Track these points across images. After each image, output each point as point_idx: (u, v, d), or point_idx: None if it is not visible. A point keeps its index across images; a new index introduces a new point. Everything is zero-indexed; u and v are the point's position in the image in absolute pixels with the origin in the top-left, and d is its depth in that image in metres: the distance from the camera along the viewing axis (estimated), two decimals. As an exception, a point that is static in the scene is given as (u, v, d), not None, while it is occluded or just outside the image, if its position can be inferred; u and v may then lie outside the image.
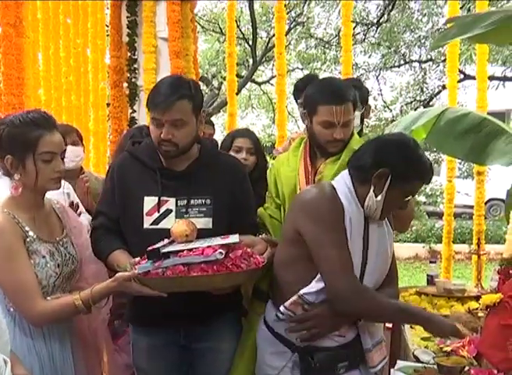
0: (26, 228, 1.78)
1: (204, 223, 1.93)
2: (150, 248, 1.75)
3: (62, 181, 2.62)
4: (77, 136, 3.09)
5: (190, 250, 1.70)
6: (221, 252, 1.67)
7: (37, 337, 1.81)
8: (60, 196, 2.56)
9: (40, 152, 1.75)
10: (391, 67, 13.16)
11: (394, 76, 13.52)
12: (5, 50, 4.26)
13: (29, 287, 1.73)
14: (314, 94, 2.12)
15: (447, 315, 2.48)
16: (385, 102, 13.36)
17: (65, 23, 5.63)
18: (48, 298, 1.79)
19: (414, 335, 2.29)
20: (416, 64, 13.07)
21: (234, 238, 1.79)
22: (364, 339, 1.84)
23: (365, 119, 3.04)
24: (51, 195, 1.95)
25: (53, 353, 1.83)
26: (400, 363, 1.95)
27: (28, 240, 1.77)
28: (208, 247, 1.70)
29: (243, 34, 12.31)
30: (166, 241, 1.80)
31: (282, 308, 1.80)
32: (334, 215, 1.75)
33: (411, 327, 2.34)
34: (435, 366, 1.87)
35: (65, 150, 1.86)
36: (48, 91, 5.50)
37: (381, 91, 13.48)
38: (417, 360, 2.01)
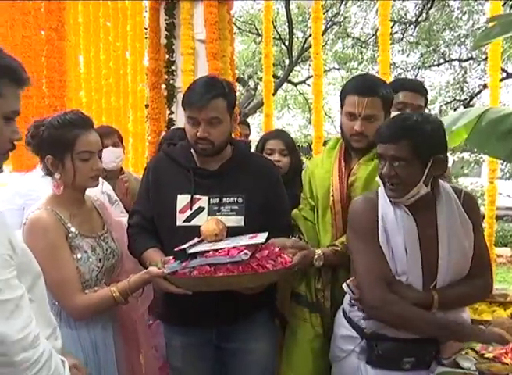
0: (68, 224, 1.85)
1: (235, 220, 1.95)
2: (177, 249, 1.79)
3: (103, 182, 2.67)
4: (118, 137, 3.15)
5: (216, 250, 1.72)
6: (246, 253, 1.68)
7: (80, 330, 1.86)
8: (100, 196, 2.62)
9: (77, 152, 1.82)
10: (430, 66, 12.96)
11: (433, 76, 13.35)
12: (48, 53, 4.38)
13: (70, 282, 1.79)
14: (347, 85, 2.14)
15: (489, 320, 2.42)
16: (424, 102, 13.12)
17: (105, 27, 5.73)
18: (87, 291, 1.84)
19: (454, 341, 2.24)
20: (456, 63, 12.83)
21: (261, 238, 1.80)
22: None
23: None
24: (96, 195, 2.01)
25: (96, 344, 1.89)
26: (439, 369, 1.91)
27: (70, 235, 1.83)
28: (234, 248, 1.72)
29: (280, 35, 12.32)
30: (196, 239, 1.84)
31: (344, 284, 1.83)
32: (364, 224, 1.77)
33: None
34: (477, 373, 1.82)
35: (102, 149, 1.92)
36: (88, 93, 5.62)
37: (420, 90, 13.24)
38: (458, 366, 1.96)
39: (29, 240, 1.69)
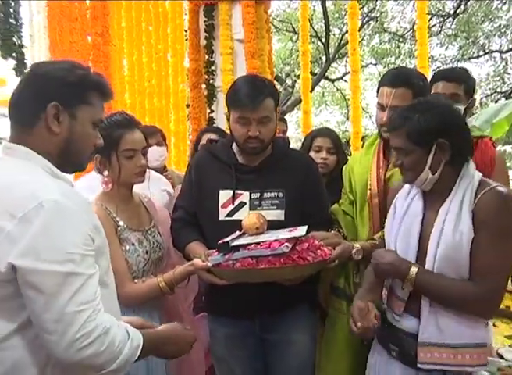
0: (117, 218, 1.95)
1: (276, 214, 2.00)
2: (220, 242, 1.83)
3: (163, 179, 2.76)
4: (161, 136, 3.28)
5: (258, 243, 1.75)
6: (287, 246, 1.70)
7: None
8: (160, 194, 2.74)
9: (122, 150, 1.92)
10: (469, 58, 12.72)
11: (473, 68, 13.06)
12: (94, 58, 4.59)
13: (120, 272, 1.87)
14: (382, 77, 2.14)
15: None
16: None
17: (147, 30, 5.92)
18: (136, 280, 1.95)
19: (497, 333, 2.24)
20: (496, 54, 12.55)
21: (301, 231, 1.81)
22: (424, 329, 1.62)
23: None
24: (156, 194, 2.09)
25: None
26: None
27: (119, 229, 1.93)
28: (275, 240, 1.74)
29: (316, 32, 12.33)
30: (238, 233, 1.89)
31: None
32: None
33: (494, 325, 2.27)
34: None
35: (145, 146, 2.01)
36: (132, 95, 5.83)
37: (459, 83, 13.02)
38: (501, 358, 1.96)
39: None
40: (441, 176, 1.62)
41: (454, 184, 1.62)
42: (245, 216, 1.92)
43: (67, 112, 1.32)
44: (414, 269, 1.59)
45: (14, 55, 4.04)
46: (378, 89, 2.08)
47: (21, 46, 4.19)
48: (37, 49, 4.53)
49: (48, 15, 4.47)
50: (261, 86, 1.98)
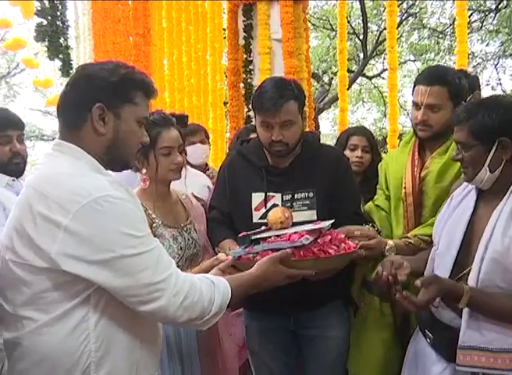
0: (153, 215, 2.01)
1: (308, 215, 1.99)
2: (241, 235, 1.87)
3: (203, 175, 2.81)
4: (205, 135, 3.37)
5: (278, 236, 1.75)
6: (307, 238, 1.67)
7: None
8: (202, 189, 2.81)
9: (159, 148, 1.97)
10: (511, 55, 12.41)
11: (514, 64, 12.74)
12: (136, 58, 4.73)
13: None
14: (418, 75, 2.15)
15: None
16: (504, 92, 12.61)
17: (187, 30, 6.03)
18: None
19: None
20: (540, 50, 12.22)
21: (326, 224, 1.79)
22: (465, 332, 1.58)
23: None
24: (197, 189, 2.12)
25: (178, 332, 2.03)
26: None
27: (154, 225, 1.99)
28: (295, 233, 1.72)
29: (354, 29, 12.25)
30: (263, 228, 1.91)
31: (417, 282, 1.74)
32: None
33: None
34: None
35: (182, 144, 2.05)
36: (172, 94, 5.96)
37: (500, 80, 12.77)
38: None
39: None
40: (500, 176, 1.60)
41: (511, 185, 1.60)
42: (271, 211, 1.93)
43: (112, 112, 1.35)
44: (468, 289, 1.53)
45: (60, 56, 4.19)
46: (414, 88, 2.09)
47: (67, 47, 4.34)
48: (82, 50, 4.69)
49: (92, 17, 4.63)
50: (283, 89, 1.97)
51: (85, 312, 1.29)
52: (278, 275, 1.58)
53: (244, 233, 1.85)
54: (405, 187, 2.11)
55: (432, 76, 2.03)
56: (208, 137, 3.38)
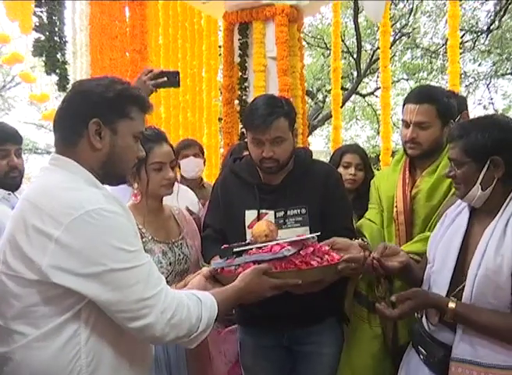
0: (143, 230, 2.01)
1: (301, 231, 1.95)
2: (223, 247, 1.85)
3: (191, 192, 2.78)
4: (199, 149, 3.40)
5: (260, 248, 1.73)
6: (288, 249, 1.66)
7: None
8: (193, 204, 2.82)
9: (150, 163, 1.99)
10: (503, 75, 12.58)
11: (506, 84, 12.93)
12: (132, 74, 4.74)
13: None
14: (407, 94, 2.18)
15: None
16: (496, 111, 12.78)
17: (183, 47, 6.10)
18: None
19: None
20: (531, 71, 12.39)
21: (310, 236, 1.78)
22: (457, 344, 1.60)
23: None
24: (188, 205, 2.11)
25: (167, 349, 2.03)
26: None
27: (144, 240, 1.98)
28: (277, 244, 1.70)
29: (348, 48, 12.39)
30: (248, 241, 1.90)
31: (393, 298, 1.74)
32: None
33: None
34: None
35: (174, 160, 2.08)
36: (167, 109, 6.00)
37: (492, 99, 12.93)
38: None
39: None
40: (492, 194, 1.62)
41: (503, 204, 1.61)
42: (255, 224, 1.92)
43: (108, 128, 1.36)
44: (451, 305, 1.57)
45: (57, 71, 4.22)
46: (404, 107, 2.11)
47: (64, 62, 4.36)
48: (79, 65, 4.72)
49: (90, 33, 4.66)
50: (273, 106, 1.98)
51: (76, 327, 1.29)
52: (262, 286, 1.57)
53: (226, 246, 1.84)
54: (396, 206, 2.12)
55: (421, 95, 2.06)
56: (202, 152, 3.41)
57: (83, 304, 1.28)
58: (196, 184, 3.37)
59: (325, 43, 12.71)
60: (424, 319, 1.74)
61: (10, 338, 1.29)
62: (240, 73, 5.02)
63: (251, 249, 1.74)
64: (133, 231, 1.36)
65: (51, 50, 4.26)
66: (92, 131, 1.34)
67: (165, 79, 2.26)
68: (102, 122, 1.35)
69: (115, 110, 1.37)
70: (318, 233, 1.82)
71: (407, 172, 2.17)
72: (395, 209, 2.13)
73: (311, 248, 1.71)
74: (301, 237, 1.75)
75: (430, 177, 2.08)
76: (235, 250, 1.77)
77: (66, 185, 1.31)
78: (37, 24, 4.24)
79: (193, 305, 1.37)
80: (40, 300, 1.27)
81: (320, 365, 2.11)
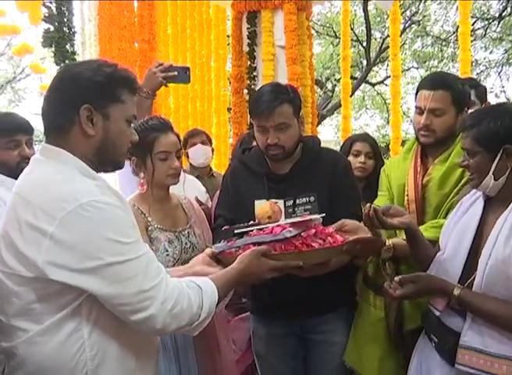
0: (149, 218, 2.02)
1: None
2: (224, 228, 1.86)
3: (198, 181, 2.79)
4: (206, 137, 3.42)
5: (261, 229, 1.70)
6: (289, 231, 1.63)
7: None
8: (201, 194, 2.84)
9: (156, 152, 1.99)
10: (514, 62, 12.46)
11: (517, 72, 12.78)
12: (141, 64, 4.77)
13: None
14: (420, 81, 2.17)
15: None
16: (508, 99, 12.65)
17: (192, 37, 6.09)
18: None
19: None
20: (543, 58, 12.25)
21: (314, 217, 1.75)
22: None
23: None
24: (196, 195, 2.12)
25: (175, 335, 2.03)
26: None
27: (149, 228, 2.01)
28: (278, 226, 1.68)
29: (357, 36, 12.31)
30: (251, 222, 1.87)
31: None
32: None
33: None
34: None
35: (179, 149, 2.07)
36: (176, 99, 6.00)
37: (503, 87, 12.81)
38: None
39: None
40: (506, 183, 1.60)
41: None
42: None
43: (100, 113, 1.31)
44: (456, 291, 1.58)
45: (67, 61, 4.23)
46: (416, 94, 2.09)
47: (73, 53, 4.37)
48: (88, 56, 4.73)
49: (98, 23, 4.67)
50: (277, 93, 1.99)
51: (77, 322, 1.27)
52: (261, 268, 1.54)
53: (227, 227, 1.84)
54: (407, 195, 2.11)
55: (436, 81, 2.03)
56: (209, 140, 3.42)
57: (81, 299, 1.26)
58: (205, 173, 3.40)
59: (334, 31, 12.63)
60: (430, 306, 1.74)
61: (13, 334, 1.29)
62: (249, 63, 5.02)
63: (252, 231, 1.72)
64: (130, 222, 1.32)
65: (60, 41, 4.27)
66: (84, 117, 1.29)
67: (176, 73, 2.27)
68: (93, 107, 1.30)
69: (106, 94, 1.32)
70: (323, 215, 1.80)
71: (419, 160, 2.15)
72: (406, 198, 2.11)
73: (313, 230, 1.68)
74: (304, 218, 1.72)
75: (442, 165, 2.06)
76: (236, 232, 1.74)
77: (58, 177, 1.27)
78: (47, 15, 4.26)
79: (193, 293, 1.36)
80: (38, 297, 1.25)
81: (331, 354, 2.13)
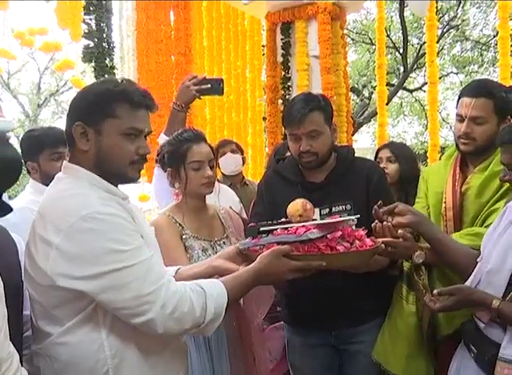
0: (184, 227, 2.07)
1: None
2: (250, 225, 1.84)
3: (231, 191, 2.83)
4: (236, 146, 3.47)
5: (286, 229, 1.66)
6: (313, 232, 1.57)
7: None
8: (235, 204, 2.88)
9: (189, 162, 2.04)
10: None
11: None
12: (177, 76, 4.86)
13: None
14: (463, 88, 2.14)
15: None
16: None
17: (227, 48, 6.15)
18: None
19: None
20: None
21: (347, 218, 1.71)
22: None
23: None
24: (230, 204, 2.17)
25: (209, 340, 2.04)
26: None
27: (184, 237, 2.05)
28: (303, 226, 1.62)
29: (394, 43, 12.20)
30: (283, 220, 1.84)
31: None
32: None
33: None
34: None
35: (212, 159, 2.12)
36: (212, 110, 6.07)
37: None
38: None
39: None
40: None
41: None
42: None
43: (92, 129, 1.38)
44: (495, 304, 1.55)
45: (106, 75, 4.35)
46: (458, 100, 2.06)
47: (112, 68, 4.48)
48: (127, 70, 4.84)
49: (136, 38, 4.79)
50: (307, 101, 2.02)
51: (94, 324, 1.35)
52: (281, 269, 1.52)
53: (253, 225, 1.82)
54: (445, 202, 2.09)
55: (478, 89, 2.00)
56: (240, 149, 3.47)
57: (95, 303, 1.34)
58: (238, 181, 3.44)
59: (370, 39, 12.55)
60: (474, 317, 1.71)
61: (41, 336, 1.39)
62: (283, 73, 5.06)
63: (276, 230, 1.69)
64: (130, 230, 1.37)
65: (99, 56, 4.40)
66: (77, 134, 1.39)
67: (209, 86, 2.31)
68: (86, 124, 1.38)
69: (96, 111, 1.39)
70: (358, 216, 1.77)
71: (458, 168, 2.12)
72: (443, 205, 2.09)
73: (339, 233, 1.60)
74: (334, 220, 1.67)
75: (481, 174, 2.03)
76: (261, 229, 1.72)
77: (68, 193, 1.36)
78: (86, 31, 4.39)
79: (196, 297, 1.39)
80: (56, 303, 1.34)
81: (367, 365, 2.10)
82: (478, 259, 1.74)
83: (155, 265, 1.39)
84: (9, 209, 1.38)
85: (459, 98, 2.07)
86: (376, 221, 1.83)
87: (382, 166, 2.91)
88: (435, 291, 1.64)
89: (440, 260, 1.86)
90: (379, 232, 1.81)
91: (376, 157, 3.10)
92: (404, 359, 2.00)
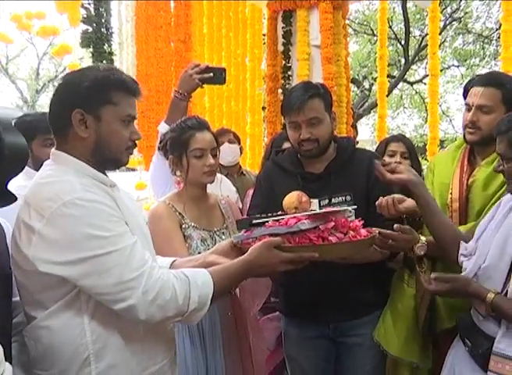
0: (184, 216, 2.06)
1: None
2: (241, 218, 1.86)
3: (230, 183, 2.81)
4: (234, 136, 3.43)
5: (277, 220, 1.65)
6: (304, 223, 1.55)
7: None
8: (232, 193, 2.85)
9: (191, 149, 2.03)
10: (561, 60, 12.01)
11: None
12: (177, 63, 4.82)
13: None
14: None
15: None
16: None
17: (227, 36, 6.10)
18: None
19: None
20: None
21: (343, 208, 1.70)
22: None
23: None
24: (227, 191, 2.14)
25: (203, 330, 2.04)
26: None
27: (184, 226, 2.04)
28: (294, 217, 1.61)
29: (396, 34, 12.12)
30: (280, 212, 1.83)
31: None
32: None
33: None
34: None
35: (215, 147, 2.10)
36: (211, 99, 6.03)
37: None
38: None
39: (149, 226, 1.86)
40: None
41: None
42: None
43: (92, 116, 1.39)
44: (490, 296, 1.56)
45: (104, 61, 4.30)
46: (467, 91, 2.06)
47: (111, 53, 4.44)
48: (125, 56, 4.78)
49: (135, 24, 4.73)
50: (306, 89, 2.01)
51: (77, 310, 1.36)
52: (272, 260, 1.51)
53: (245, 217, 1.84)
54: (451, 193, 2.08)
55: (488, 79, 2.01)
56: (237, 139, 3.43)
57: (78, 289, 1.35)
58: (235, 171, 3.41)
59: (371, 29, 12.49)
60: (473, 310, 1.71)
61: (28, 321, 1.42)
62: (284, 62, 5.00)
63: (267, 222, 1.67)
64: (112, 216, 1.37)
65: (98, 41, 4.35)
66: (76, 121, 1.39)
67: (211, 74, 2.28)
68: (85, 111, 1.39)
69: (95, 98, 1.40)
70: (355, 207, 1.78)
71: (466, 160, 2.12)
72: (450, 196, 2.08)
73: (332, 223, 1.58)
74: (329, 210, 1.66)
75: (488, 167, 2.02)
76: (254, 222, 1.70)
77: (52, 179, 1.37)
78: (85, 16, 4.33)
79: (179, 284, 1.39)
80: (40, 288, 1.36)
81: (364, 357, 2.11)
82: (469, 250, 1.73)
83: (138, 252, 1.38)
84: (14, 199, 1.40)
85: (469, 87, 2.05)
86: (381, 198, 1.85)
87: (396, 160, 2.77)
88: (432, 275, 1.65)
89: (429, 230, 1.88)
90: (384, 207, 1.82)
91: (385, 149, 2.89)
92: (404, 341, 2.01)
